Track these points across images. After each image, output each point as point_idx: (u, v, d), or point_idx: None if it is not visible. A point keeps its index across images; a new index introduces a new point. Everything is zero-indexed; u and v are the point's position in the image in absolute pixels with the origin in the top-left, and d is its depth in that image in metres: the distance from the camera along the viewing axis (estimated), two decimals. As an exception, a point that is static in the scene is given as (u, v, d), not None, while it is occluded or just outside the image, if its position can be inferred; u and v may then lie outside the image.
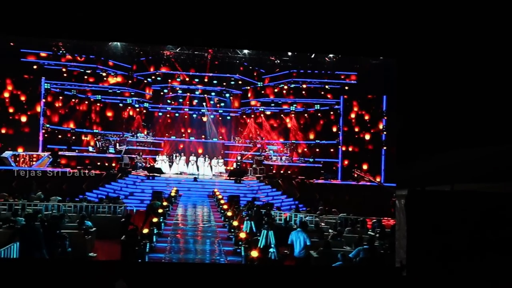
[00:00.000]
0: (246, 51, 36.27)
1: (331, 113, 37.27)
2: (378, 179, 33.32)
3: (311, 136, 38.39)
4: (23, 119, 32.39)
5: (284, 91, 38.81)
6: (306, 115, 38.88)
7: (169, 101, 41.07)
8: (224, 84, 39.93)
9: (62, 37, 29.55)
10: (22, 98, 32.52)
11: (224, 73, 39.08)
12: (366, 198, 30.20)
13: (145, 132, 39.06)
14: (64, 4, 14.47)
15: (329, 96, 37.52)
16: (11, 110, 32.23)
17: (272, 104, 40.01)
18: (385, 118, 34.17)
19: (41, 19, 14.70)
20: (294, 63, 37.27)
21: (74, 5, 14.49)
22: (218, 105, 41.66)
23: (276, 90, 39.13)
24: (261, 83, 39.68)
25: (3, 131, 31.86)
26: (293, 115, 39.20)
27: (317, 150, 37.63)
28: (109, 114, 38.46)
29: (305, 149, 38.37)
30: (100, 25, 15.16)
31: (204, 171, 35.73)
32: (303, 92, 38.25)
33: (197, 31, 15.29)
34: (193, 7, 14.67)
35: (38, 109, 32.88)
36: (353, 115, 35.53)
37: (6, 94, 32.18)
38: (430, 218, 12.63)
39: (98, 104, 37.87)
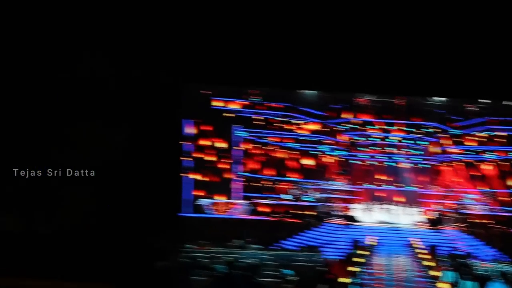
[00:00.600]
0: (441, 98, 35.69)
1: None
2: None
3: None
4: (224, 166, 33.41)
5: (481, 139, 37.76)
6: (504, 162, 37.29)
7: (364, 148, 40.81)
8: (420, 131, 39.37)
9: (257, 86, 30.48)
10: (223, 146, 33.58)
11: (419, 120, 38.68)
12: None
13: (341, 180, 38.79)
14: (258, 54, 14.85)
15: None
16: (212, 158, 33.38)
17: (469, 152, 38.79)
18: None
19: (236, 70, 15.17)
20: (489, 110, 36.50)
21: (269, 56, 14.84)
22: (414, 152, 40.86)
23: (472, 138, 38.07)
24: (457, 130, 38.61)
25: (207, 179, 33.04)
26: (491, 162, 37.77)
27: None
28: (304, 161, 38.77)
29: (506, 198, 36.58)
30: (297, 75, 15.43)
31: (402, 220, 35.31)
32: (500, 139, 37.05)
33: (392, 79, 15.28)
34: (388, 57, 14.72)
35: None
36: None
37: (207, 142, 33.35)
38: None
39: (294, 152, 38.33)
